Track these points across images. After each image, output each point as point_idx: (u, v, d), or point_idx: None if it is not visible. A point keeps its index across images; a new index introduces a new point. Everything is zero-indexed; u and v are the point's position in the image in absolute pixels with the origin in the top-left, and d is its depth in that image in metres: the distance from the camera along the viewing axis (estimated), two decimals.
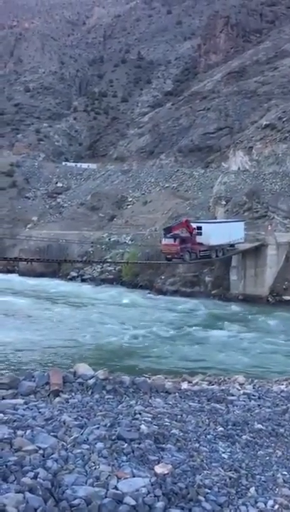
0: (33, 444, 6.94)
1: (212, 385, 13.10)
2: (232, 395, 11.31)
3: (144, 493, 6.12)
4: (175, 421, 8.83)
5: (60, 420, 7.93)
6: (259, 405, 10.84)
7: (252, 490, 6.89)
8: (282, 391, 12.50)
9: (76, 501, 5.77)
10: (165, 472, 6.69)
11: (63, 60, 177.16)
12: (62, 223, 75.91)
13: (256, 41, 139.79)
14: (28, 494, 5.71)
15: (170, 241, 42.33)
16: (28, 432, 7.32)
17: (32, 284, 55.02)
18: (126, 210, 75.71)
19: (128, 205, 77.40)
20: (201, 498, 6.35)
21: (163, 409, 9.41)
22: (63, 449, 6.98)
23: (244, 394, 11.63)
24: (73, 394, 9.53)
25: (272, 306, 45.16)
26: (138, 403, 9.51)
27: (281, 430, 9.34)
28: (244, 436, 8.70)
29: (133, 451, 7.19)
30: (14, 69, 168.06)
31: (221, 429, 8.87)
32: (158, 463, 7.01)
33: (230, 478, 7.06)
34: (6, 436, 6.97)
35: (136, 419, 8.46)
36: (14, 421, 7.71)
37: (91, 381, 10.02)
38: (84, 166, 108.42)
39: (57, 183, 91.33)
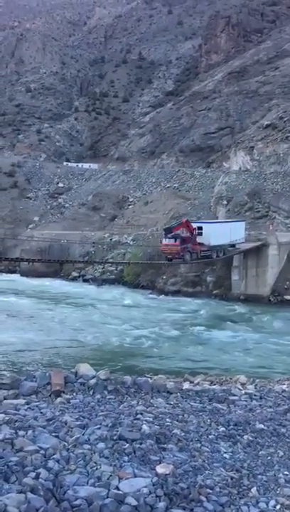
0: (34, 444, 6.94)
1: (214, 385, 13.10)
2: (234, 395, 11.30)
3: (146, 494, 6.12)
4: (177, 421, 8.83)
5: (61, 420, 7.94)
6: (260, 405, 10.83)
7: (254, 490, 6.88)
8: (284, 391, 12.49)
9: (77, 502, 5.77)
10: (167, 472, 6.68)
11: (64, 61, 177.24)
12: (63, 223, 75.94)
13: (257, 41, 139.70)
14: (29, 494, 5.71)
15: (171, 241, 42.27)
16: (30, 432, 7.32)
17: (33, 284, 55.02)
18: (128, 210, 75.71)
19: (129, 205, 77.41)
20: (203, 498, 6.35)
21: (164, 409, 9.41)
22: (65, 449, 6.98)
23: (245, 394, 11.63)
24: (75, 394, 9.54)
25: (274, 306, 45.11)
26: (140, 403, 9.51)
27: (283, 430, 9.33)
28: (245, 436, 8.69)
29: (134, 452, 7.19)
30: (15, 69, 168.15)
31: (223, 429, 8.87)
32: (160, 463, 7.01)
33: (232, 478, 7.06)
34: (7, 437, 6.98)
35: (138, 419, 8.46)
36: (16, 421, 7.71)
37: (92, 381, 10.03)
38: (86, 166, 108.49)
39: (58, 183, 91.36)
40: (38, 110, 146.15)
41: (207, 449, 7.87)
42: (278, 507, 6.57)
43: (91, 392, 9.75)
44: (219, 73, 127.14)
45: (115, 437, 7.50)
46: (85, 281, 59.13)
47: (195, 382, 13.41)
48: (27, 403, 8.78)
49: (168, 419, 8.75)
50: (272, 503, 6.64)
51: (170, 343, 32.41)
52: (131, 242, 61.97)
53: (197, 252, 44.11)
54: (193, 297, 48.69)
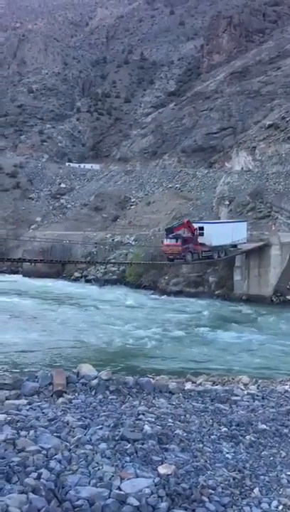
0: (36, 444, 6.94)
1: (216, 385, 13.08)
2: (236, 396, 11.29)
3: (148, 494, 6.11)
4: (179, 421, 8.81)
5: (63, 421, 7.94)
6: (262, 405, 10.81)
7: (256, 490, 6.86)
8: (286, 391, 12.46)
9: (79, 502, 5.76)
10: (169, 473, 6.67)
11: (66, 61, 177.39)
12: (65, 224, 75.98)
13: (259, 41, 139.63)
14: (31, 495, 5.71)
15: (172, 241, 42.24)
16: (32, 432, 7.32)
17: (36, 285, 55.06)
18: (130, 210, 75.71)
19: (131, 205, 77.41)
20: (205, 498, 6.33)
21: (166, 409, 9.39)
22: (66, 449, 6.98)
23: (248, 394, 11.60)
24: (76, 394, 9.54)
25: (276, 306, 45.03)
26: (142, 403, 9.50)
27: (286, 430, 9.30)
28: (248, 437, 8.67)
29: (136, 452, 7.18)
30: (17, 70, 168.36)
31: (225, 429, 8.85)
32: (162, 463, 6.99)
33: (234, 478, 7.03)
34: (9, 437, 6.98)
35: (140, 419, 8.45)
36: (17, 421, 7.71)
37: (94, 381, 10.03)
38: (88, 166, 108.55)
39: (60, 183, 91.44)
40: (40, 111, 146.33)
41: (209, 450, 7.86)
42: (280, 507, 6.55)
43: (93, 393, 9.74)
44: (221, 73, 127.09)
45: (117, 437, 7.49)
46: (87, 281, 59.14)
47: (198, 382, 13.40)
48: (29, 403, 8.78)
49: (170, 420, 8.73)
50: (275, 503, 6.61)
51: (173, 344, 32.38)
52: (133, 243, 61.96)
53: (198, 253, 44.07)
54: (195, 297, 48.65)
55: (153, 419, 8.54)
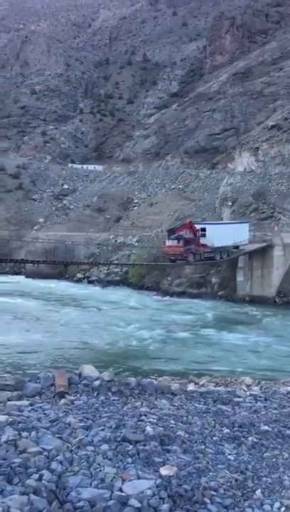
0: (37, 445, 6.92)
1: (219, 386, 13.05)
2: (239, 397, 11.26)
3: (149, 495, 6.08)
4: (181, 422, 8.79)
5: (65, 422, 7.92)
6: (265, 407, 10.78)
7: (258, 492, 6.83)
8: (289, 392, 12.43)
9: (80, 503, 5.74)
10: (171, 474, 6.65)
11: (69, 63, 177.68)
12: (68, 225, 76.06)
13: (261, 42, 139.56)
14: (32, 496, 5.69)
15: (174, 242, 42.20)
16: (33, 433, 7.31)
17: (39, 286, 55.11)
18: (132, 211, 75.74)
19: (134, 206, 77.45)
20: (207, 500, 6.30)
21: (168, 410, 9.37)
22: (68, 450, 6.96)
23: (250, 395, 11.57)
24: (78, 395, 9.52)
25: (279, 307, 44.96)
26: (144, 405, 9.48)
27: (288, 432, 9.27)
28: (250, 438, 8.64)
29: (138, 453, 7.16)
30: (20, 72, 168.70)
31: (227, 430, 8.82)
32: (164, 465, 6.97)
33: (236, 480, 7.01)
34: (10, 438, 6.96)
35: (142, 420, 8.43)
36: (19, 422, 7.70)
37: (96, 383, 10.02)
38: (91, 167, 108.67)
39: (63, 185, 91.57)
40: (43, 112, 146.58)
41: (212, 451, 7.83)
42: (283, 509, 6.51)
43: (95, 394, 9.73)
44: (223, 74, 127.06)
45: (119, 439, 7.47)
46: (90, 282, 59.18)
47: (200, 383, 13.38)
48: (31, 404, 8.77)
49: (172, 421, 8.71)
50: (277, 505, 6.58)
51: (176, 345, 32.35)
52: (136, 244, 61.99)
53: (200, 254, 44.01)
54: (198, 298, 48.63)
55: (155, 421, 8.52)
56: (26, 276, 61.59)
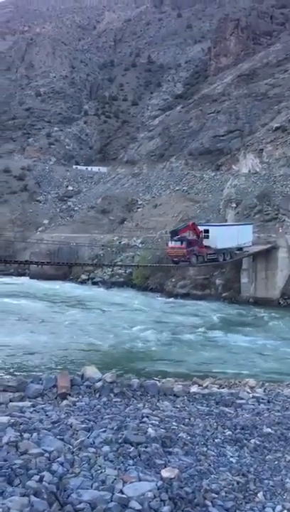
0: (39, 447, 6.90)
1: (223, 388, 13.00)
2: (241, 399, 11.21)
3: (150, 498, 6.05)
4: (183, 424, 8.76)
5: (66, 423, 7.90)
6: (268, 409, 10.73)
7: (260, 495, 6.78)
8: None
9: (81, 505, 5.71)
10: (172, 476, 6.61)
11: (74, 65, 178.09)
12: (72, 226, 76.17)
13: (266, 44, 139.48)
14: (32, 498, 5.67)
15: (177, 244, 42.12)
16: (35, 434, 7.29)
17: (43, 287, 55.15)
18: (137, 213, 75.77)
19: (138, 208, 77.49)
20: (208, 502, 6.26)
21: (170, 412, 9.34)
22: (69, 452, 6.94)
23: (253, 397, 11.52)
24: (81, 397, 9.50)
25: (284, 309, 44.85)
26: (146, 406, 9.45)
27: None
28: (252, 441, 8.60)
29: (139, 455, 7.13)
30: (25, 74, 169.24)
31: (229, 432, 8.78)
32: (165, 467, 6.94)
33: (238, 482, 6.96)
34: (12, 439, 6.94)
35: (144, 422, 8.40)
36: (21, 424, 7.68)
37: (98, 384, 9.99)
38: (95, 169, 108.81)
39: (67, 186, 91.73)
40: (48, 114, 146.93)
41: (213, 453, 7.79)
42: None
43: (97, 395, 9.71)
44: (228, 76, 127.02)
45: (120, 440, 7.44)
46: (94, 284, 59.23)
47: (204, 385, 13.34)
48: (33, 406, 8.75)
49: (174, 423, 8.68)
50: (279, 508, 6.53)
51: (180, 346, 32.31)
52: (140, 245, 62.01)
53: (203, 255, 43.89)
54: (202, 300, 48.59)
55: (157, 422, 8.49)
56: (30, 278, 61.71)
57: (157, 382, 12.05)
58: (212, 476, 7.00)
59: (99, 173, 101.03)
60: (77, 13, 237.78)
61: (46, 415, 8.28)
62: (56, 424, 7.84)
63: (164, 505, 6.01)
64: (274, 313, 42.74)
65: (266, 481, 7.21)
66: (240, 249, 48.27)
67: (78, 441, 7.29)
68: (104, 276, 60.01)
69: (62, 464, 6.53)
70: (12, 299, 47.03)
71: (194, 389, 12.19)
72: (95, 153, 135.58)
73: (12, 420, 7.74)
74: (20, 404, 8.78)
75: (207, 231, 45.27)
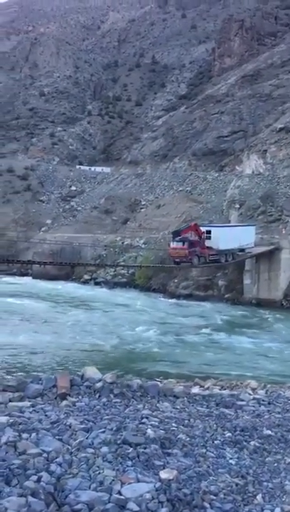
0: (37, 447, 6.89)
1: (224, 389, 12.98)
2: (242, 400, 11.17)
3: (148, 499, 6.03)
4: (183, 425, 8.73)
5: (65, 424, 7.89)
6: (268, 411, 10.69)
7: (259, 497, 6.75)
8: None
9: (78, 506, 5.70)
10: (171, 478, 6.59)
11: (78, 65, 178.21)
12: (75, 226, 76.20)
13: (270, 44, 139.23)
14: (30, 498, 5.66)
15: (179, 244, 42.00)
16: (33, 435, 7.28)
17: (46, 287, 55.16)
18: (140, 213, 75.75)
19: (141, 208, 77.46)
20: (206, 504, 6.24)
21: (170, 413, 9.32)
22: (68, 452, 6.92)
23: (253, 399, 11.48)
24: (80, 397, 9.49)
25: (287, 310, 44.73)
26: (146, 407, 9.43)
27: None
28: (252, 442, 8.57)
29: (138, 456, 7.11)
30: (29, 73, 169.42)
31: (229, 434, 8.75)
32: (164, 468, 6.92)
33: (237, 484, 6.94)
34: (10, 439, 6.94)
35: (143, 423, 8.38)
36: (20, 424, 7.68)
37: (98, 384, 9.98)
38: (98, 169, 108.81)
39: (71, 186, 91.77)
40: (52, 114, 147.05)
41: (213, 455, 7.76)
42: None
43: (97, 396, 9.70)
44: (232, 77, 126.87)
45: (119, 441, 7.42)
46: (97, 284, 59.21)
47: (205, 386, 13.31)
48: (32, 406, 8.75)
49: (173, 424, 8.66)
50: (277, 510, 6.50)
51: (182, 347, 32.25)
52: (143, 246, 61.98)
53: (205, 256, 43.72)
54: (205, 301, 48.50)
55: (156, 423, 8.47)
56: (33, 278, 61.72)
57: (158, 383, 12.04)
58: (211, 477, 6.98)
59: (103, 173, 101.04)
60: (81, 13, 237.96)
61: (45, 415, 8.27)
62: (55, 425, 7.83)
63: (162, 506, 5.99)
64: (278, 314, 42.62)
65: (265, 483, 7.17)
66: (243, 250, 48.08)
67: (77, 441, 7.28)
68: (107, 276, 60.00)
69: (60, 465, 6.52)
70: (15, 299, 47.05)
71: (195, 390, 12.16)
72: (99, 153, 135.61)
73: (11, 420, 7.74)
74: (20, 404, 8.78)
75: (209, 232, 45.13)
